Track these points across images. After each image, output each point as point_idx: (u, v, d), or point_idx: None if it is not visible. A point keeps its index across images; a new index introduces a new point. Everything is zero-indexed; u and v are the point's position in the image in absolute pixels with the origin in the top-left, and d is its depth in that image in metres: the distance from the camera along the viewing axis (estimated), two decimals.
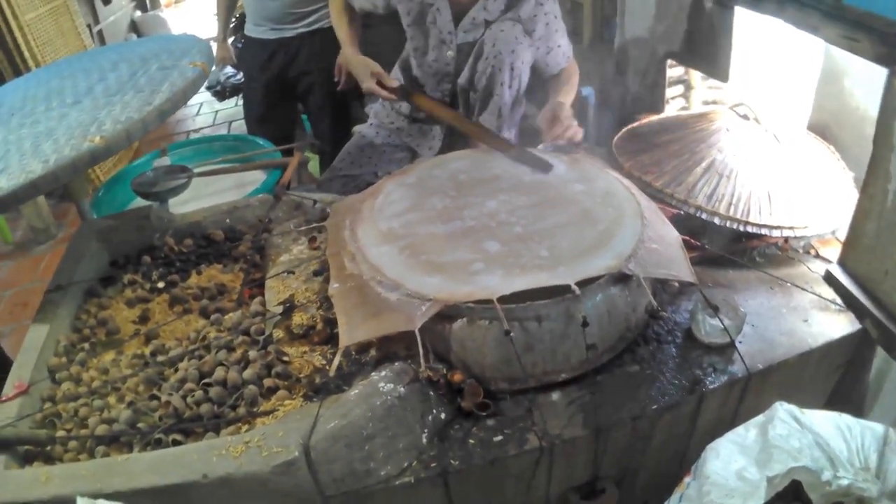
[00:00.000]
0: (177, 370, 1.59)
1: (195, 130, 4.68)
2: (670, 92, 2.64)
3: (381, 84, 2.26)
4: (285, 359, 1.59)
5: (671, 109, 2.63)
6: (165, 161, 2.79)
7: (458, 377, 1.47)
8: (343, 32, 2.40)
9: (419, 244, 1.63)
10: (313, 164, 3.19)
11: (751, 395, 1.60)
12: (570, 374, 1.52)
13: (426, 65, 2.32)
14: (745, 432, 1.30)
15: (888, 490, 1.15)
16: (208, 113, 4.94)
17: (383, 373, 1.44)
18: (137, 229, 2.10)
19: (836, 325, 1.69)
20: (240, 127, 3.98)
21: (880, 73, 1.53)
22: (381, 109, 2.52)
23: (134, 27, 5.53)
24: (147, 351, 1.66)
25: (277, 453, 1.29)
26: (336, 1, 2.43)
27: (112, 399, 1.54)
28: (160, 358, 1.63)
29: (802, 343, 1.63)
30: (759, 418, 1.30)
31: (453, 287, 1.48)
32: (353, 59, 2.33)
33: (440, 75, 2.32)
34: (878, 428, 1.22)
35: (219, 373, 1.53)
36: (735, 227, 1.82)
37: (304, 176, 2.90)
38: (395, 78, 2.37)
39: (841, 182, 1.98)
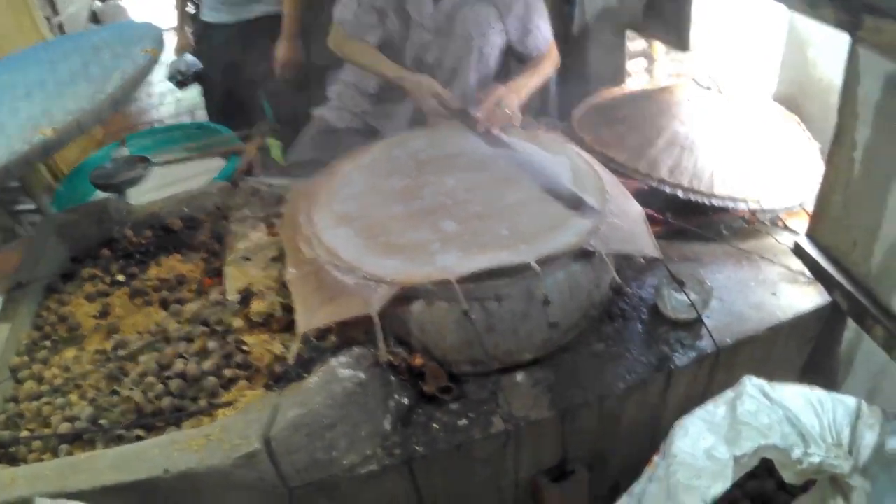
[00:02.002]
0: (137, 364, 1.55)
1: (158, 121, 4.63)
2: (633, 66, 2.62)
3: (442, 104, 2.09)
4: (245, 348, 1.54)
5: (634, 83, 2.61)
6: (124, 152, 2.74)
7: (419, 361, 1.44)
8: (382, 59, 2.22)
9: (376, 226, 1.59)
10: (276, 150, 3.14)
11: (721, 370, 1.59)
12: (534, 355, 1.49)
13: (406, 50, 2.26)
14: (714, 408, 1.27)
15: (861, 465, 1.13)
16: (171, 102, 4.89)
17: (342, 359, 1.41)
18: (97, 223, 2.06)
19: (805, 297, 1.67)
20: (204, 115, 3.93)
21: (844, 43, 1.50)
22: (343, 91, 2.46)
23: (94, 17, 5.43)
24: (108, 346, 1.63)
25: (238, 445, 1.26)
26: (351, 43, 2.28)
27: (74, 396, 1.51)
28: (121, 352, 1.59)
29: (772, 316, 1.61)
30: (728, 393, 1.27)
31: (411, 268, 1.44)
32: (410, 80, 2.13)
33: (417, 60, 2.26)
34: (850, 401, 1.20)
35: (178, 365, 1.50)
36: (699, 199, 1.79)
37: (268, 162, 2.85)
38: None
39: (807, 153, 1.97)
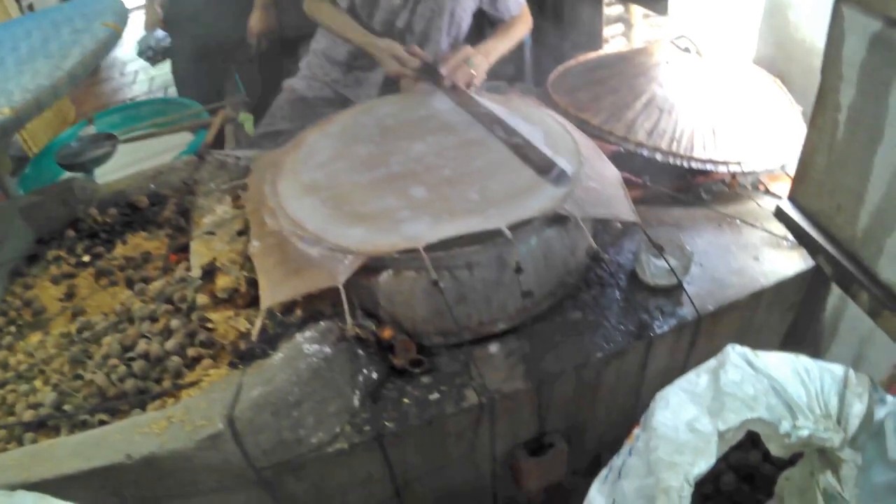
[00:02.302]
0: (101, 346, 1.50)
1: (131, 99, 4.56)
2: (611, 31, 2.58)
3: (404, 64, 2.04)
4: (209, 325, 1.49)
5: (611, 49, 2.56)
6: (90, 130, 2.69)
7: (388, 333, 1.39)
8: (350, 25, 2.18)
9: (343, 195, 1.53)
10: (249, 125, 3.10)
11: (702, 338, 1.55)
12: (507, 325, 1.45)
13: (376, 15, 2.20)
14: (696, 378, 1.22)
15: (850, 437, 1.08)
16: (144, 80, 4.83)
17: (308, 333, 1.36)
18: (62, 203, 2.00)
19: (788, 262, 1.64)
20: (176, 92, 3.88)
21: (826, 4, 1.47)
22: (313, 60, 2.41)
23: None
24: (73, 328, 1.58)
25: (201, 427, 1.21)
26: (323, 7, 2.23)
27: (38, 382, 1.45)
28: (86, 334, 1.54)
29: (754, 282, 1.58)
30: (711, 363, 1.22)
31: (378, 238, 1.39)
32: (373, 45, 2.09)
33: (386, 24, 2.20)
34: (838, 369, 1.15)
35: (141, 345, 1.44)
36: (678, 162, 1.74)
37: (242, 137, 2.80)
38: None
39: (789, 116, 1.92)
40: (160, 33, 3.41)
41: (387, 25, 2.18)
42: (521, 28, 2.23)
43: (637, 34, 2.57)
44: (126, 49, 4.79)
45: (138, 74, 4.91)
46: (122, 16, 2.07)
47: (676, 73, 1.95)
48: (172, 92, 4.36)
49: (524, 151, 1.59)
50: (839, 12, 1.43)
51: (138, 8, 2.45)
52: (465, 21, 2.21)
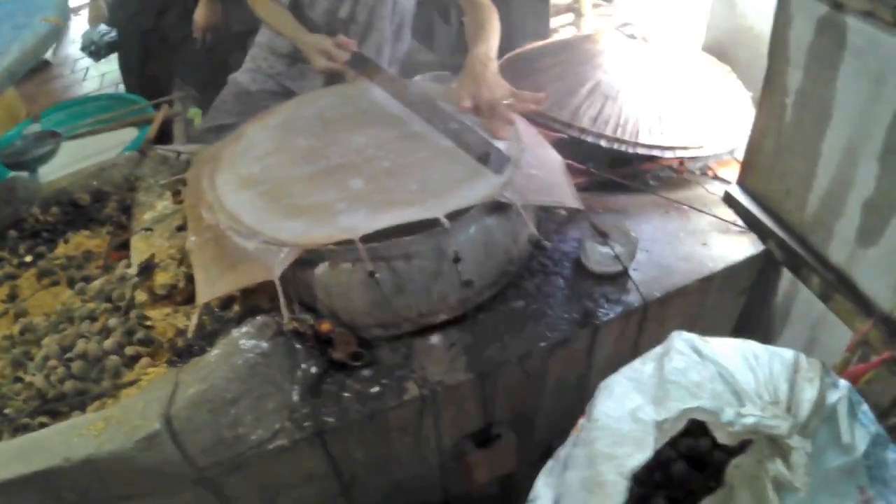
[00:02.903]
0: (41, 347, 1.46)
1: (82, 96, 4.48)
2: (560, 20, 2.56)
3: (332, 58, 1.92)
4: (148, 323, 1.46)
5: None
6: (35, 128, 2.64)
7: (326, 327, 1.36)
8: (284, 18, 2.09)
9: (280, 188, 1.50)
10: (199, 120, 3.06)
11: (651, 325, 1.55)
12: (449, 315, 1.43)
13: (317, 4, 2.16)
14: (642, 366, 1.20)
15: (799, 423, 1.07)
16: (95, 76, 4.73)
17: (244, 329, 1.33)
18: (4, 203, 1.95)
19: (737, 247, 1.64)
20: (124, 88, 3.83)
21: None
22: (257, 52, 2.38)
23: None
24: (16, 330, 1.54)
25: (138, 427, 1.19)
26: (266, 4, 2.14)
27: None
28: (28, 336, 1.51)
29: (702, 267, 1.57)
30: (657, 350, 1.21)
31: (314, 230, 1.36)
32: (302, 40, 2.00)
33: (328, 13, 2.17)
34: (788, 354, 1.14)
35: (79, 345, 1.41)
36: (624, 149, 1.74)
37: (191, 131, 2.76)
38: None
39: (738, 101, 1.93)
40: (104, 28, 3.37)
41: (329, 15, 2.15)
42: (495, 17, 1.94)
43: (587, 23, 2.56)
44: (77, 45, 4.72)
45: (89, 71, 4.82)
46: (64, 10, 2.04)
47: (622, 60, 1.95)
48: (123, 88, 4.33)
49: (462, 137, 1.56)
50: None
51: (83, 5, 2.40)
52: (409, 9, 2.19)
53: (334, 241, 1.33)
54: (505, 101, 1.63)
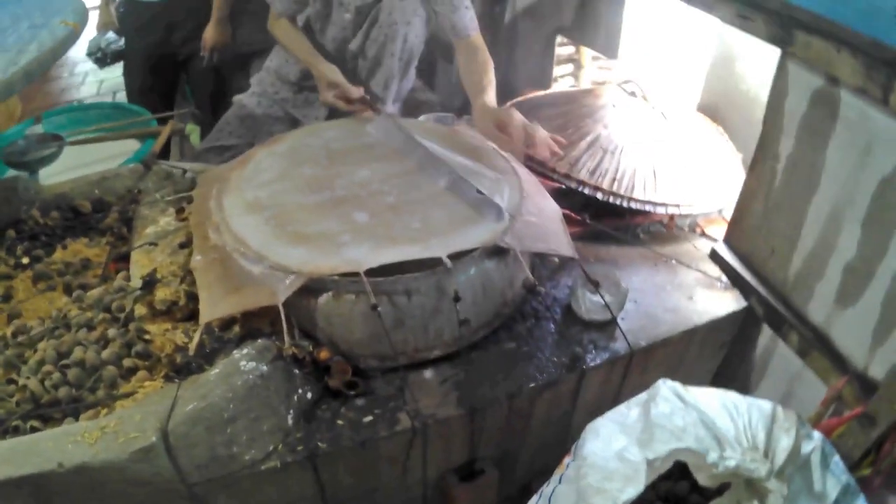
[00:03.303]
0: (36, 351, 1.47)
1: (79, 100, 4.48)
2: (560, 70, 2.62)
3: (342, 96, 2.03)
4: (146, 337, 1.48)
5: (560, 88, 2.61)
6: (38, 129, 2.64)
7: (324, 354, 1.39)
8: (303, 44, 2.20)
9: (286, 215, 1.54)
10: (195, 137, 3.08)
11: (634, 372, 1.59)
12: (443, 351, 1.47)
13: (327, 31, 2.22)
14: (627, 411, 1.25)
15: (777, 469, 1.13)
16: (93, 82, 4.74)
17: (245, 350, 1.35)
18: (4, 202, 1.95)
19: (721, 302, 1.69)
20: (126, 97, 3.82)
21: (772, 58, 1.54)
22: (265, 77, 2.42)
23: None
24: (9, 331, 1.54)
25: (134, 439, 1.20)
26: (280, 24, 2.24)
27: None
28: (21, 339, 1.50)
29: (687, 320, 1.63)
30: (642, 396, 1.26)
31: (319, 259, 1.40)
32: (316, 68, 2.10)
33: (338, 41, 2.22)
34: (766, 405, 1.20)
35: (77, 353, 1.42)
36: (618, 202, 1.80)
37: (187, 148, 2.79)
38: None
39: (728, 162, 1.99)
40: (112, 35, 3.36)
41: (338, 43, 2.20)
42: (491, 62, 2.16)
43: (586, 75, 2.62)
44: (78, 49, 4.73)
45: (88, 76, 4.82)
46: (82, 15, 2.03)
47: (622, 115, 2.01)
48: (121, 97, 4.29)
49: (458, 186, 1.62)
50: (784, 67, 1.50)
51: (93, 8, 2.41)
52: (418, 47, 2.24)
53: (339, 272, 1.37)
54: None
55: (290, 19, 2.22)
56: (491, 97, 2.00)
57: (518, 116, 1.87)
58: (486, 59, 2.14)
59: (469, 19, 2.17)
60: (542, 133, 1.85)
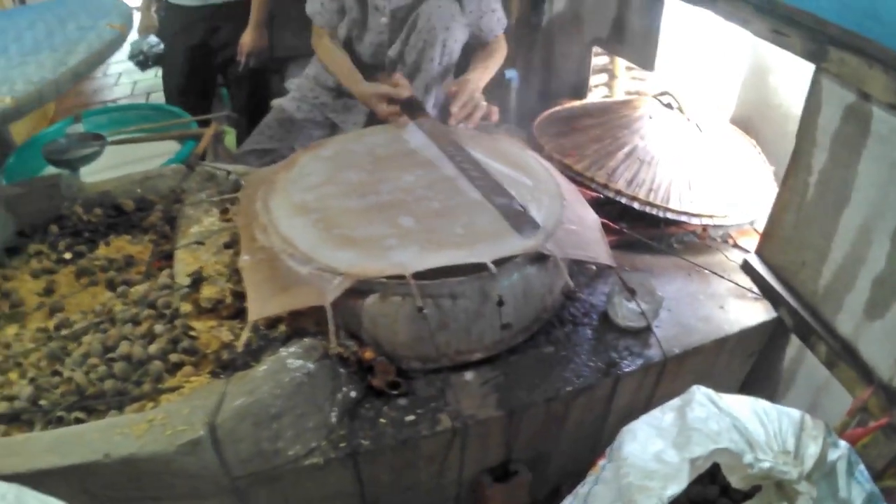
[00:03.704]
0: (80, 344, 1.51)
1: (112, 100, 4.54)
2: (594, 80, 2.64)
3: (391, 99, 2.09)
4: (192, 333, 1.51)
5: (594, 98, 2.64)
6: (78, 128, 2.68)
7: (369, 355, 1.43)
8: (343, 65, 2.27)
9: (333, 218, 1.58)
10: (230, 138, 3.12)
11: (666, 379, 1.61)
12: (483, 354, 1.50)
13: (365, 37, 2.26)
14: (662, 415, 1.28)
15: (805, 473, 1.15)
16: (127, 83, 4.81)
17: (292, 349, 1.39)
18: (46, 198, 1.99)
19: (751, 312, 1.71)
20: (158, 98, 3.88)
21: (805, 72, 1.56)
22: (304, 83, 2.46)
23: None
24: (51, 324, 1.58)
25: (182, 432, 1.22)
26: (322, 42, 2.32)
27: (14, 375, 1.45)
28: (64, 332, 1.54)
29: (719, 329, 1.65)
30: (676, 401, 1.29)
31: (366, 262, 1.44)
32: (364, 91, 2.15)
33: (374, 46, 2.26)
34: (795, 413, 1.22)
35: (123, 347, 1.46)
36: (654, 213, 1.83)
37: (221, 150, 2.82)
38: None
39: (761, 175, 2.01)
40: (153, 39, 3.41)
41: (375, 48, 2.24)
42: (499, 57, 2.29)
43: (620, 85, 2.64)
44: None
45: (121, 77, 4.89)
46: (128, 18, 2.06)
47: (658, 127, 2.04)
48: (154, 97, 4.36)
49: (495, 197, 1.65)
50: (818, 82, 1.52)
51: (134, 9, 2.44)
52: (456, 52, 2.27)
53: (386, 274, 1.40)
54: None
55: (331, 33, 2.26)
56: (474, 74, 2.18)
57: (467, 90, 2.06)
58: (493, 49, 2.27)
59: (496, 21, 2.23)
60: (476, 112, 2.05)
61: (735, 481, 1.19)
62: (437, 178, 1.73)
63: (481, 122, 2.10)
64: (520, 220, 1.56)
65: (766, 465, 1.15)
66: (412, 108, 2.03)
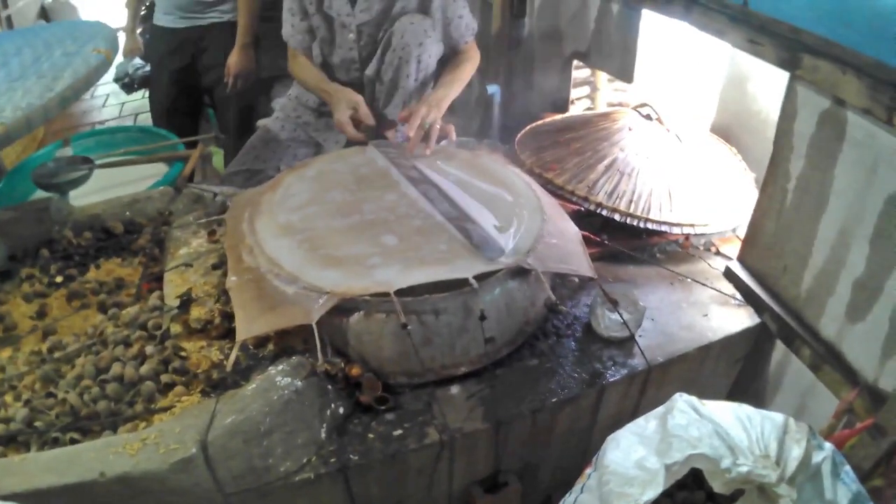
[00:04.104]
0: (74, 367, 1.53)
1: (101, 122, 4.55)
2: (576, 93, 2.67)
3: (354, 120, 2.09)
4: (183, 354, 1.54)
5: (576, 110, 2.66)
6: (67, 152, 2.70)
7: (356, 371, 1.45)
8: (315, 74, 2.29)
9: (318, 238, 1.61)
10: (217, 159, 3.14)
11: (652, 387, 1.63)
12: (469, 368, 1.52)
13: (334, 54, 2.28)
14: (645, 423, 1.31)
15: (787, 476, 1.17)
16: (114, 105, 4.82)
17: (280, 367, 1.41)
18: (36, 222, 2.02)
19: (735, 319, 1.74)
20: (146, 120, 3.89)
21: (782, 79, 1.59)
22: (287, 103, 2.48)
23: (44, 13, 5.34)
24: (44, 347, 1.60)
25: (175, 450, 1.25)
26: (297, 62, 2.34)
27: (8, 398, 1.47)
28: (57, 354, 1.56)
29: (702, 336, 1.67)
30: (660, 409, 1.31)
31: (351, 281, 1.46)
32: (335, 92, 2.17)
33: (347, 62, 2.29)
34: (778, 417, 1.25)
35: (115, 368, 1.48)
36: (635, 223, 1.85)
37: (209, 170, 2.85)
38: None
39: (742, 182, 2.04)
40: (138, 61, 3.43)
41: (347, 64, 2.28)
42: (469, 67, 2.26)
43: (601, 97, 2.67)
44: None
45: (109, 98, 4.90)
46: (113, 43, 2.08)
47: (638, 138, 2.07)
48: (142, 119, 4.36)
49: (461, 223, 1.66)
50: (793, 89, 1.55)
51: (118, 31, 2.45)
52: (432, 66, 2.28)
53: (370, 292, 1.43)
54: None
55: (305, 53, 2.29)
56: (438, 92, 2.13)
57: (420, 110, 1.98)
58: (463, 60, 2.25)
59: (465, 27, 2.23)
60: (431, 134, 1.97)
61: (717, 486, 1.21)
62: (419, 196, 1.75)
63: (463, 139, 2.12)
64: (483, 246, 1.57)
65: (744, 469, 1.17)
66: (375, 136, 2.04)
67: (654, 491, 1.15)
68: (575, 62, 2.57)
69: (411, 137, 1.95)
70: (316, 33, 2.25)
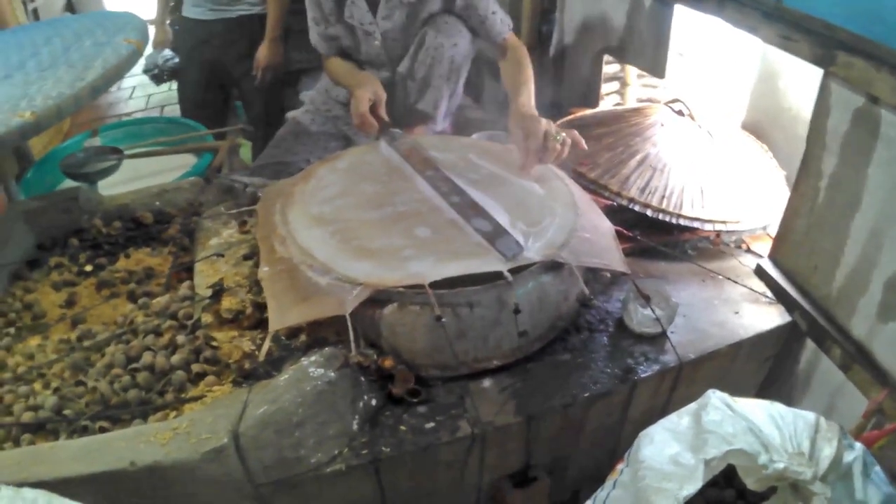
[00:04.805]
0: (103, 355, 1.54)
1: (127, 114, 4.58)
2: (605, 88, 2.66)
3: (373, 111, 2.03)
4: (214, 344, 1.55)
5: (606, 106, 2.65)
6: (96, 142, 2.72)
7: (388, 363, 1.45)
8: (346, 70, 2.30)
9: (350, 229, 1.61)
10: (245, 151, 3.15)
11: (683, 384, 1.62)
12: (501, 362, 1.52)
13: (361, 56, 2.29)
14: (678, 419, 1.30)
15: (820, 474, 1.17)
16: (141, 97, 4.85)
17: (313, 358, 1.41)
18: (65, 211, 2.03)
19: (766, 317, 1.72)
20: (173, 111, 3.91)
21: (814, 76, 1.57)
22: (316, 96, 2.48)
23: (70, 5, 5.37)
24: (73, 336, 1.61)
25: (206, 440, 1.25)
26: (331, 62, 2.35)
27: (38, 385, 1.49)
28: (87, 343, 1.57)
29: (733, 334, 1.66)
30: (692, 406, 1.30)
31: (384, 272, 1.46)
32: (362, 78, 2.15)
33: (377, 64, 2.29)
34: (809, 416, 1.24)
35: (146, 358, 1.49)
36: (667, 219, 1.84)
37: (236, 162, 2.86)
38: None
39: (773, 179, 2.02)
40: (168, 52, 3.44)
41: (374, 65, 2.29)
42: (526, 63, 2.17)
43: (631, 93, 2.66)
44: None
45: (136, 90, 4.93)
46: (144, 33, 2.08)
47: (670, 134, 2.05)
48: (169, 111, 4.39)
49: (524, 200, 1.66)
50: (827, 86, 1.54)
51: (148, 23, 2.45)
52: (465, 66, 2.29)
53: (404, 284, 1.43)
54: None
55: (338, 55, 2.30)
56: (523, 99, 1.99)
57: (541, 129, 1.79)
58: (519, 56, 2.19)
59: (500, 22, 2.20)
60: (562, 146, 1.79)
61: (751, 483, 1.20)
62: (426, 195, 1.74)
63: (494, 133, 2.11)
64: (500, 245, 1.54)
65: (781, 465, 1.16)
66: (386, 132, 2.02)
67: (694, 486, 1.14)
68: (606, 57, 2.56)
69: (544, 159, 1.81)
70: (341, 42, 2.26)
